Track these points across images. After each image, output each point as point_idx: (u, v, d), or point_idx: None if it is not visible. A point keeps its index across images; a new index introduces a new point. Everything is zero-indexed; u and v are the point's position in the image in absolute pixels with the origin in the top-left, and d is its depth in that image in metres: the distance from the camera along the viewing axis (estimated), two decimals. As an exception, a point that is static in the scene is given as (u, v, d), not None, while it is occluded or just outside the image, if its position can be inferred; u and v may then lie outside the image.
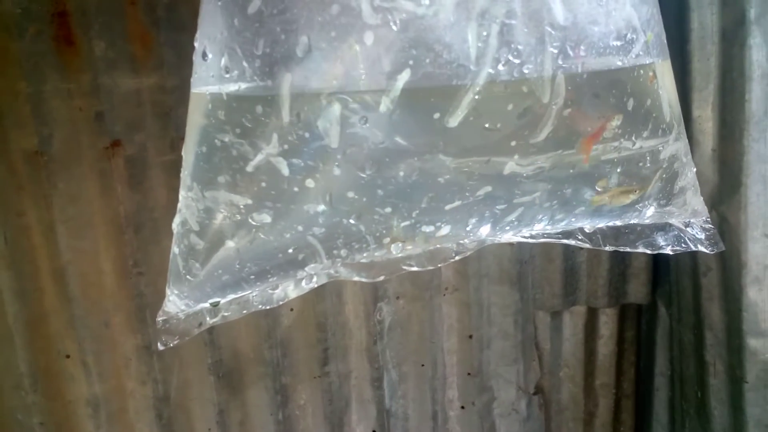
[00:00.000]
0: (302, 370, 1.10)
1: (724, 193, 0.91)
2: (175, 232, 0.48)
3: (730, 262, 0.93)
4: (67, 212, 0.91)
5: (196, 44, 0.45)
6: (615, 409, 1.30)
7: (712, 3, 0.87)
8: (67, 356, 0.98)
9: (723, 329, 0.98)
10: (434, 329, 1.15)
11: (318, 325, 1.09)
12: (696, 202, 0.56)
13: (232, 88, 0.42)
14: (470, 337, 1.18)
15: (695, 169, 0.55)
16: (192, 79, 0.46)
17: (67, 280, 0.94)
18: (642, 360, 1.28)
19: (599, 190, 0.48)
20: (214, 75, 0.43)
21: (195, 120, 0.45)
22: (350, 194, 0.42)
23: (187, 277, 0.47)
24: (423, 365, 1.17)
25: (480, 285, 1.15)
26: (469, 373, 1.20)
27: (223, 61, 0.42)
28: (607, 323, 1.23)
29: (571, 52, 0.41)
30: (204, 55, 0.44)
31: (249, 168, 0.42)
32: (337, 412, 1.15)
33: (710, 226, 0.57)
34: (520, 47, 0.40)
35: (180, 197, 0.47)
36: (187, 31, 0.89)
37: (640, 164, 0.49)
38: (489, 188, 0.44)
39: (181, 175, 0.47)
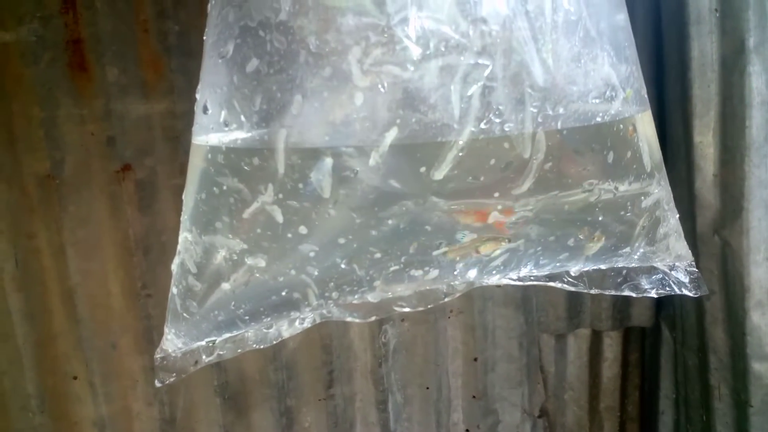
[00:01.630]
0: (307, 392, 1.10)
1: (726, 217, 0.92)
2: (174, 273, 0.50)
3: (733, 286, 0.93)
4: (78, 235, 0.93)
5: (197, 96, 0.48)
6: (620, 432, 1.30)
7: (712, 32, 0.89)
8: (75, 378, 0.98)
9: (727, 353, 0.98)
10: (439, 352, 1.16)
11: (323, 348, 1.09)
12: (679, 247, 0.57)
13: (231, 140, 0.44)
14: (475, 359, 1.18)
15: (678, 216, 0.57)
16: (193, 129, 0.48)
17: (75, 302, 0.95)
18: (646, 383, 1.27)
19: (581, 238, 0.50)
20: (213, 127, 0.46)
21: (195, 167, 0.48)
22: (341, 240, 0.45)
23: (185, 316, 0.49)
24: (428, 388, 1.17)
25: (485, 308, 1.16)
26: (473, 396, 1.20)
27: (222, 115, 0.44)
28: (611, 346, 1.23)
29: (550, 111, 0.44)
30: (205, 108, 0.46)
31: (245, 215, 0.45)
32: (341, 435, 1.15)
33: (694, 269, 0.59)
34: (501, 107, 0.42)
35: (179, 240, 0.50)
36: (197, 58, 0.90)
37: (622, 213, 0.51)
38: (474, 236, 0.46)
39: (181, 218, 0.50)
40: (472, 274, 0.49)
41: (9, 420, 0.96)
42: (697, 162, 0.94)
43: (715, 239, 0.94)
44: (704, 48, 0.90)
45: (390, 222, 0.44)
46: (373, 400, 1.14)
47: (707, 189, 0.94)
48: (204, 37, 0.47)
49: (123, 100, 0.89)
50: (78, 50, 0.87)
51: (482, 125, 0.42)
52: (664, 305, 1.18)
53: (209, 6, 0.46)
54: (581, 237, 0.50)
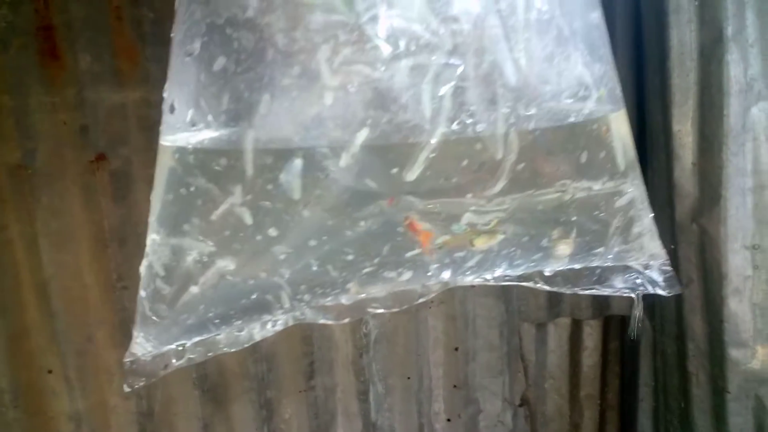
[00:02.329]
0: (288, 384, 1.10)
1: (705, 206, 0.93)
2: (141, 275, 0.50)
3: (711, 274, 0.94)
4: (51, 226, 0.91)
5: (165, 95, 0.46)
6: (600, 420, 1.31)
7: (691, 21, 0.89)
8: (50, 371, 0.97)
9: (705, 340, 0.99)
10: (420, 342, 1.16)
11: (304, 339, 1.08)
12: (653, 246, 0.57)
13: (198, 140, 0.43)
14: (456, 349, 1.18)
15: (652, 215, 0.57)
16: (161, 128, 0.47)
17: (49, 295, 0.94)
18: (626, 371, 1.29)
19: (554, 239, 0.50)
20: (181, 126, 0.45)
21: (163, 167, 0.47)
22: (313, 242, 0.44)
23: (154, 319, 0.49)
24: (409, 378, 1.17)
25: (465, 297, 1.16)
26: (455, 386, 1.20)
27: (189, 114, 0.44)
28: (591, 335, 1.24)
29: (523, 111, 0.43)
30: (172, 107, 0.45)
31: (214, 216, 0.44)
32: (323, 426, 1.14)
33: (668, 268, 0.59)
34: (473, 107, 0.42)
35: (147, 242, 0.49)
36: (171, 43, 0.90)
37: (596, 212, 0.51)
38: (447, 237, 0.46)
39: (149, 219, 0.49)
40: (447, 275, 0.49)
41: (-18, 415, 0.95)
42: (676, 151, 0.94)
43: (693, 227, 0.95)
44: (683, 37, 0.90)
45: (362, 223, 0.44)
46: (354, 391, 1.14)
47: (686, 177, 0.94)
48: (171, 35, 0.46)
49: (96, 88, 0.87)
50: (49, 37, 0.85)
51: (454, 126, 0.42)
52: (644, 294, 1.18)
53: (176, 2, 0.45)
54: (554, 238, 0.50)
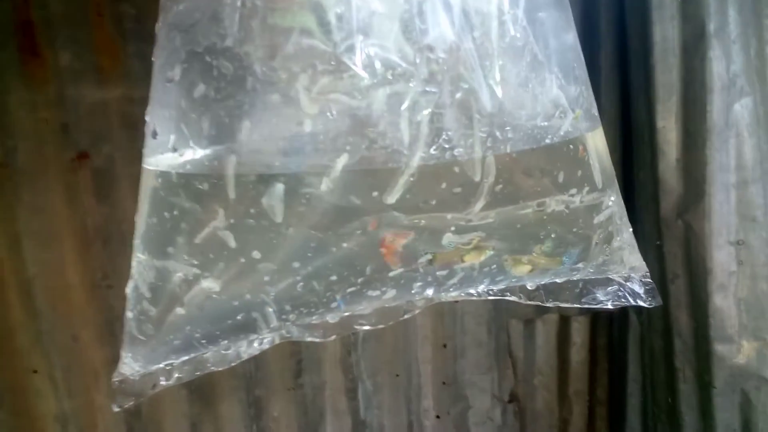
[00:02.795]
0: (276, 382, 1.09)
1: (689, 201, 0.93)
2: (128, 296, 0.50)
3: (696, 270, 0.94)
4: (33, 225, 0.90)
5: (147, 118, 0.47)
6: (589, 416, 1.31)
7: (674, 17, 0.89)
8: (35, 372, 0.96)
9: (691, 335, 0.99)
10: (408, 339, 1.16)
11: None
12: (633, 259, 0.58)
13: (180, 164, 0.44)
14: (444, 346, 1.18)
15: (631, 229, 0.58)
16: (143, 151, 0.48)
17: (33, 294, 0.93)
18: (615, 367, 1.29)
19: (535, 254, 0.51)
20: (163, 151, 0.45)
21: (146, 190, 0.47)
22: (296, 264, 0.44)
23: (141, 339, 0.49)
24: (398, 375, 1.17)
25: (453, 294, 1.16)
26: (443, 383, 1.20)
27: (171, 139, 0.44)
28: (579, 330, 1.25)
29: (499, 135, 0.44)
30: (154, 133, 0.46)
31: (197, 240, 0.44)
32: (311, 424, 1.14)
33: (649, 280, 0.60)
34: (450, 133, 0.43)
35: (132, 263, 0.49)
36: (154, 43, 0.89)
37: (575, 229, 0.51)
38: (429, 256, 0.47)
39: (134, 241, 0.49)
40: (430, 292, 0.50)
41: (-34, 416, 0.94)
42: (660, 147, 0.94)
43: (678, 223, 0.95)
44: (666, 33, 0.90)
45: (344, 245, 0.44)
46: (342, 389, 1.14)
47: (670, 173, 0.94)
48: (153, 59, 0.46)
49: (77, 85, 0.87)
50: (28, 33, 0.84)
51: (432, 150, 0.43)
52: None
53: (156, 26, 0.46)
54: (535, 253, 0.51)
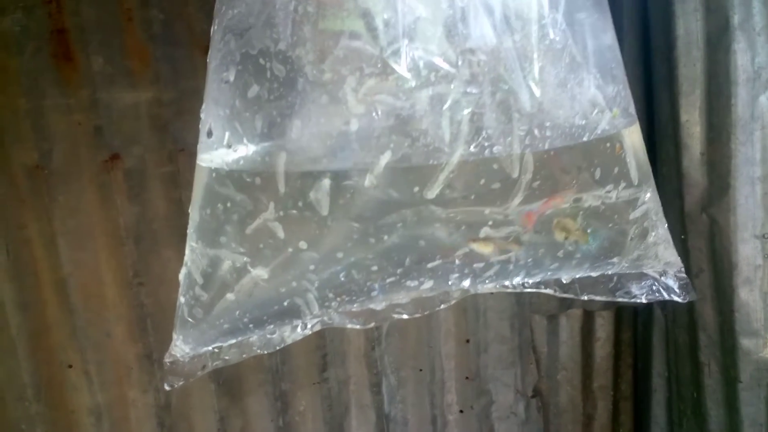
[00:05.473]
0: (301, 376, 1.11)
1: (714, 195, 0.92)
2: (181, 282, 0.53)
3: (721, 264, 0.94)
4: (68, 225, 0.93)
5: (202, 115, 0.50)
6: (613, 411, 1.31)
7: (697, 9, 0.88)
8: (70, 366, 0.99)
9: (716, 330, 0.99)
10: (431, 334, 1.17)
11: (316, 332, 1.10)
12: (668, 254, 0.59)
13: (234, 160, 0.47)
14: (467, 341, 1.19)
15: (666, 225, 0.58)
16: (198, 147, 0.51)
17: (68, 292, 0.96)
18: (639, 362, 1.29)
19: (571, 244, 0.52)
20: (217, 147, 0.48)
21: (200, 184, 0.51)
22: (339, 255, 0.47)
23: (192, 323, 0.52)
24: (421, 370, 1.18)
25: (476, 290, 1.16)
26: (467, 377, 1.21)
27: (226, 137, 0.47)
28: (603, 326, 1.24)
29: (537, 133, 0.46)
30: (209, 130, 0.49)
31: (248, 230, 0.47)
32: (336, 418, 1.16)
33: (684, 275, 0.60)
34: (489, 131, 0.44)
35: (186, 251, 0.52)
36: (182, 46, 0.91)
37: (611, 225, 0.53)
38: (467, 249, 0.48)
39: (188, 231, 0.52)
40: (466, 283, 0.52)
41: (6, 409, 0.97)
42: (684, 141, 0.94)
43: (703, 217, 0.95)
44: (689, 26, 0.89)
45: (385, 237, 0.46)
46: (367, 383, 1.16)
47: (694, 167, 0.94)
48: (207, 59, 0.49)
49: (109, 89, 0.89)
50: (62, 40, 0.87)
51: (472, 148, 0.44)
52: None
53: (212, 29, 0.49)
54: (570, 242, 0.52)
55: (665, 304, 1.14)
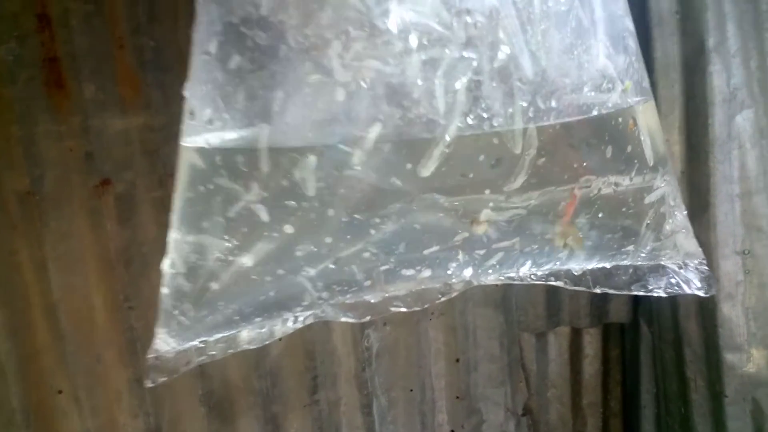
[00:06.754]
0: (292, 398, 1.11)
1: (695, 213, 0.95)
2: (163, 272, 0.50)
3: (703, 280, 0.96)
4: (59, 250, 0.93)
5: (185, 93, 0.47)
6: (603, 427, 1.32)
7: (674, 33, 0.91)
8: (60, 392, 0.99)
9: (701, 345, 1.00)
10: (421, 354, 1.17)
11: (306, 354, 1.10)
12: (689, 244, 0.55)
13: (215, 138, 0.43)
14: (457, 360, 1.20)
15: (686, 212, 0.55)
16: (181, 128, 0.48)
17: (58, 317, 0.96)
18: (628, 378, 1.30)
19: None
20: (199, 125, 0.45)
21: (183, 166, 0.48)
22: (328, 240, 0.44)
23: (176, 315, 0.49)
24: (412, 390, 1.19)
25: (465, 308, 1.17)
26: (457, 397, 1.22)
27: (207, 113, 0.44)
28: (591, 343, 1.26)
29: (542, 105, 0.42)
30: (191, 113, 0.46)
31: (231, 214, 0.44)
32: (328, 440, 1.16)
33: (705, 268, 0.56)
34: (489, 101, 0.41)
35: (168, 240, 0.49)
36: (172, 72, 0.93)
37: (624, 209, 0.49)
38: (466, 234, 0.45)
39: (171, 218, 0.49)
40: (468, 273, 0.48)
41: (-5, 436, 0.97)
42: (664, 160, 0.96)
43: (684, 235, 0.97)
44: (667, 49, 0.92)
45: (377, 221, 0.43)
46: (357, 404, 1.16)
47: (675, 186, 0.96)
48: (192, 33, 0.46)
49: (100, 115, 0.90)
50: (55, 68, 0.88)
51: (469, 120, 0.41)
52: (641, 301, 1.20)
53: (196, 2, 0.45)
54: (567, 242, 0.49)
55: (651, 321, 1.15)
